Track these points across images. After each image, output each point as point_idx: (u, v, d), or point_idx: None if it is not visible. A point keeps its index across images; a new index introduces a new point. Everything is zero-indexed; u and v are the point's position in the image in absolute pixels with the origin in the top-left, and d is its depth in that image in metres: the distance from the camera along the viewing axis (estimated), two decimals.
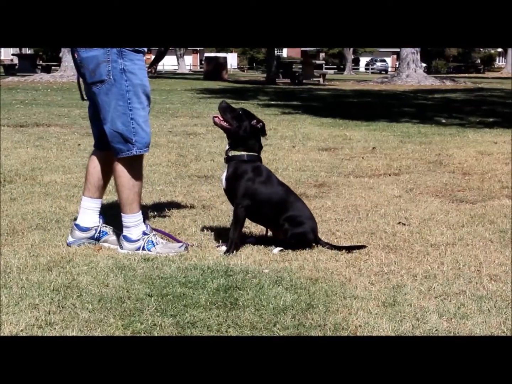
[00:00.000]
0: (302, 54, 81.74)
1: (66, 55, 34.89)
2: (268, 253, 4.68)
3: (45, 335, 3.22)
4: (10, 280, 3.97)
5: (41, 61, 53.32)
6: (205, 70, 43.60)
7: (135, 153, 4.56)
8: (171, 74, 53.20)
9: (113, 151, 4.61)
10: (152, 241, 4.69)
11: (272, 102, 20.46)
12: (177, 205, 6.09)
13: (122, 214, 4.75)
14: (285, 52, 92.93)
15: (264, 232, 5.07)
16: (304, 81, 38.36)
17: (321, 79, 39.77)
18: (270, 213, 4.85)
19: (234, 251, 4.67)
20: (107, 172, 4.84)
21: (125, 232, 4.73)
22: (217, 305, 3.63)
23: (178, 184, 7.15)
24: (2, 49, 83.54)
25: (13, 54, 60.79)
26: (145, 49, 4.59)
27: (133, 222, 4.72)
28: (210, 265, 4.30)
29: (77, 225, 4.80)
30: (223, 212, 5.80)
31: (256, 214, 4.88)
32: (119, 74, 4.45)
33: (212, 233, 5.17)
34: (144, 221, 4.82)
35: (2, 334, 3.21)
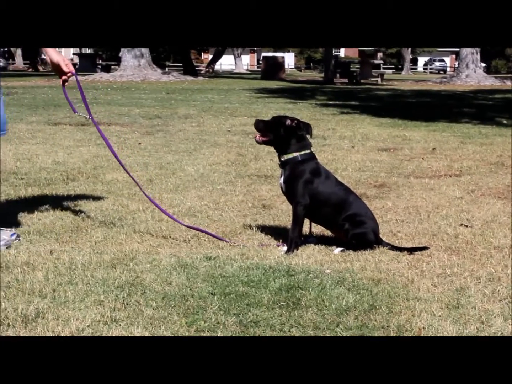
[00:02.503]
0: (360, 53, 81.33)
1: (125, 54, 35.33)
2: (329, 253, 4.68)
3: (110, 331, 3.26)
4: (76, 277, 4.04)
5: (100, 61, 53.98)
6: (262, 70, 43.67)
7: None
8: (228, 74, 53.47)
9: None
10: None
11: (330, 102, 20.41)
12: (238, 204, 6.12)
13: None
14: (342, 52, 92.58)
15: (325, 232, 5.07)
16: (362, 80, 38.21)
17: (379, 79, 39.59)
18: (329, 212, 4.84)
19: (295, 250, 4.68)
20: None
21: None
22: (279, 304, 3.64)
23: (238, 183, 7.17)
24: (63, 49, 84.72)
25: (74, 54, 61.69)
26: None
27: None
28: (271, 265, 4.31)
29: None
30: (284, 212, 5.80)
31: (316, 214, 4.89)
32: None
33: (273, 232, 5.18)
34: None
35: (69, 330, 3.27)
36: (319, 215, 4.90)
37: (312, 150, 4.92)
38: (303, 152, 4.84)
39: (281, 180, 4.89)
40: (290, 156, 4.83)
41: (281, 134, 4.82)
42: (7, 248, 4.62)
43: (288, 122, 4.83)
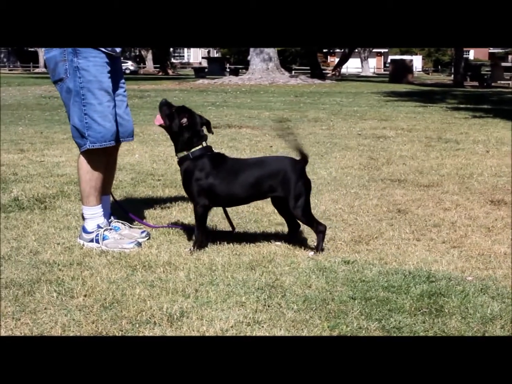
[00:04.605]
0: (490, 56, 79.47)
1: (254, 58, 35.71)
2: (470, 259, 4.57)
3: (253, 333, 3.29)
4: (216, 278, 4.09)
5: (228, 64, 54.75)
6: (391, 73, 43.29)
7: (88, 147, 4.74)
8: (355, 77, 53.25)
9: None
10: (105, 236, 4.83)
11: (462, 106, 20.00)
12: (372, 209, 6.06)
13: (82, 205, 5.00)
14: (471, 54, 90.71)
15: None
16: (492, 84, 37.31)
17: (511, 82, 38.52)
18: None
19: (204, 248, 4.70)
20: (106, 168, 5.00)
21: (84, 222, 4.93)
22: (422, 311, 3.58)
23: (372, 187, 7.11)
24: (192, 53, 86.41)
25: (203, 58, 62.94)
26: (108, 48, 4.68)
27: (89, 214, 4.92)
28: (411, 270, 4.25)
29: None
30: (420, 217, 5.71)
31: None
32: (73, 72, 4.63)
33: (410, 237, 5.11)
34: (109, 216, 5.09)
35: (213, 330, 3.32)
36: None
37: (206, 143, 4.80)
38: (194, 150, 4.73)
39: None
40: (181, 154, 4.76)
41: (174, 129, 4.72)
42: (137, 246, 4.78)
43: (184, 121, 4.70)
